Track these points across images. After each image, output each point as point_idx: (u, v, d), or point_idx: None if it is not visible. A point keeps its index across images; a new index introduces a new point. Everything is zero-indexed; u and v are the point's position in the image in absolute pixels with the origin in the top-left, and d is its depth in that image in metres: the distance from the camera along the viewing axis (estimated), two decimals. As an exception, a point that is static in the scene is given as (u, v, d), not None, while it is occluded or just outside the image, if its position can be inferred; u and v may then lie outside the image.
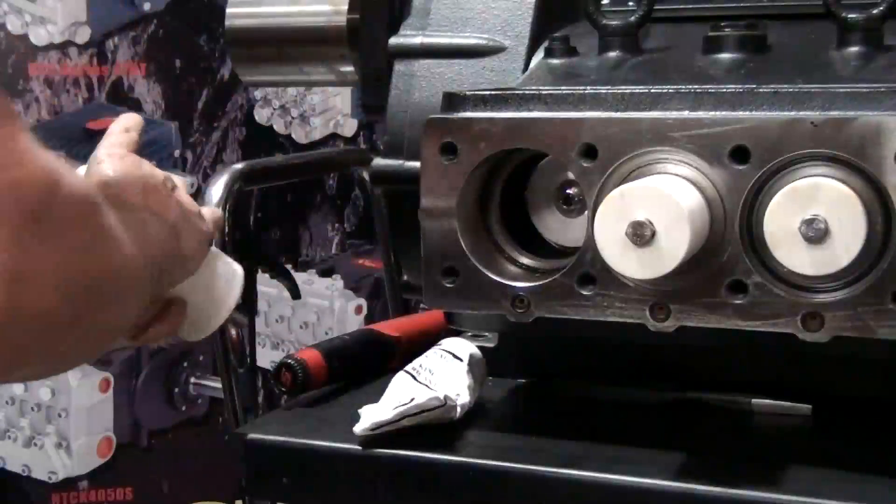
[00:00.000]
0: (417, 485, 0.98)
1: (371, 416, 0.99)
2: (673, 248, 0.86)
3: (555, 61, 1.10)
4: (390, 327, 1.28)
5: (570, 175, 0.95)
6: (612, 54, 1.07)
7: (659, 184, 0.87)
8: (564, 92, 0.95)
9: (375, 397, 1.02)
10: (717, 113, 0.90)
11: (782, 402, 1.07)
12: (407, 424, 0.99)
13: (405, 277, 1.25)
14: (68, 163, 0.74)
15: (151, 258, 0.82)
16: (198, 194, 1.92)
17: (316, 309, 2.62)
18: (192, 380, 2.54)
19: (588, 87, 0.95)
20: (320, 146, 2.52)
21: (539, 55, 1.13)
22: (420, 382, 1.02)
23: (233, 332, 1.38)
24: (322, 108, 2.52)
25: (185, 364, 2.56)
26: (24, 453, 2.40)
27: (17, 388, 2.40)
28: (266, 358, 2.29)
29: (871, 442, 1.01)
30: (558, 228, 1.01)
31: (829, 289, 0.87)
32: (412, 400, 0.99)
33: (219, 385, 1.46)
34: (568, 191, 0.99)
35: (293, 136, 2.52)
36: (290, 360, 1.14)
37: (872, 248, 0.85)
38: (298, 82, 2.03)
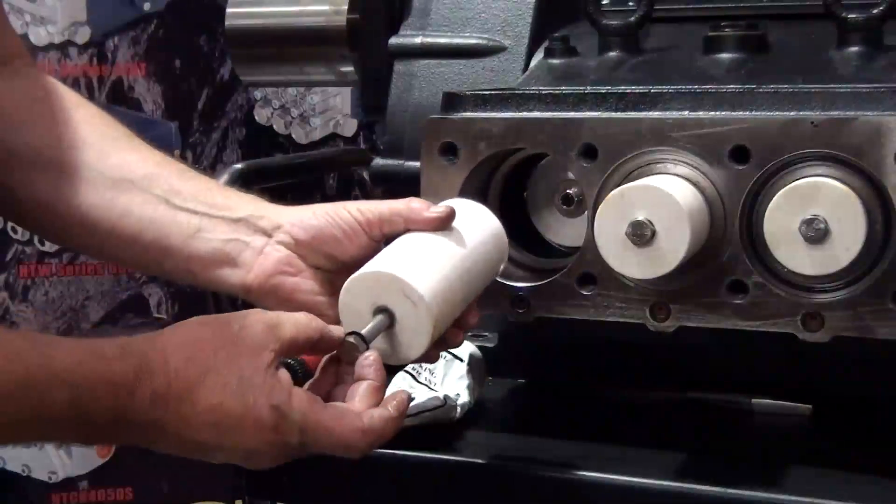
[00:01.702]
0: (417, 485, 0.98)
1: (371, 416, 0.99)
2: (673, 248, 0.86)
3: (555, 61, 1.10)
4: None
5: (570, 175, 0.95)
6: (612, 54, 1.07)
7: (659, 184, 0.87)
8: (564, 92, 0.95)
9: (375, 397, 1.02)
10: (717, 113, 0.90)
11: (782, 402, 1.07)
12: (407, 424, 0.99)
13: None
14: None
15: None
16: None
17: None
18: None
19: (588, 87, 0.95)
20: (320, 146, 2.52)
21: (539, 55, 1.13)
22: (420, 382, 1.02)
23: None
24: (322, 108, 2.52)
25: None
26: (24, 453, 2.40)
27: (17, 388, 2.40)
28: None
29: (871, 442, 1.01)
30: (558, 228, 1.01)
31: (829, 289, 0.87)
32: (412, 400, 0.99)
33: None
34: (568, 191, 0.99)
35: (293, 136, 2.52)
36: (289, 360, 1.13)
37: (872, 248, 0.85)
38: (298, 82, 2.03)
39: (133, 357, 0.78)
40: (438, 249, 0.89)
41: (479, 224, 0.93)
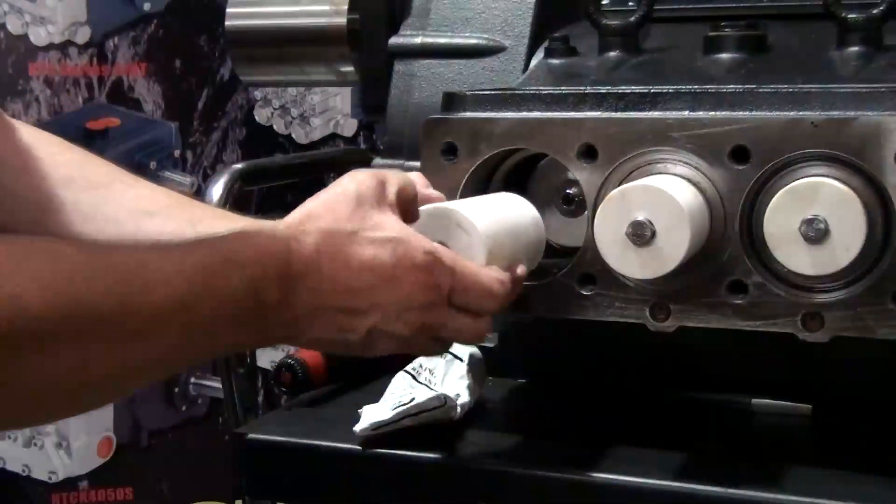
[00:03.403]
0: (417, 485, 0.98)
1: (371, 416, 0.99)
2: (673, 248, 0.86)
3: (555, 61, 1.10)
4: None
5: (570, 175, 0.95)
6: (612, 54, 1.07)
7: (659, 184, 0.87)
8: (564, 92, 0.95)
9: (375, 397, 1.02)
10: (717, 113, 0.90)
11: (782, 402, 1.07)
12: (407, 424, 0.99)
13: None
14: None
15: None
16: (198, 194, 1.92)
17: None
18: (192, 380, 2.54)
19: (588, 87, 0.95)
20: (320, 146, 2.52)
21: (539, 55, 1.14)
22: (420, 382, 1.02)
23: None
24: (322, 108, 2.52)
25: (185, 364, 2.55)
26: (24, 453, 2.40)
27: (18, 388, 2.40)
28: (266, 358, 2.30)
29: (871, 442, 1.01)
30: (558, 228, 1.01)
31: (829, 289, 0.87)
32: (412, 400, 0.99)
33: (219, 385, 1.46)
34: (568, 191, 0.99)
35: (293, 136, 2.52)
36: (290, 360, 1.14)
37: (872, 248, 0.85)
38: (298, 82, 2.03)
39: (276, 227, 0.81)
40: (485, 200, 0.94)
41: (520, 205, 0.96)
